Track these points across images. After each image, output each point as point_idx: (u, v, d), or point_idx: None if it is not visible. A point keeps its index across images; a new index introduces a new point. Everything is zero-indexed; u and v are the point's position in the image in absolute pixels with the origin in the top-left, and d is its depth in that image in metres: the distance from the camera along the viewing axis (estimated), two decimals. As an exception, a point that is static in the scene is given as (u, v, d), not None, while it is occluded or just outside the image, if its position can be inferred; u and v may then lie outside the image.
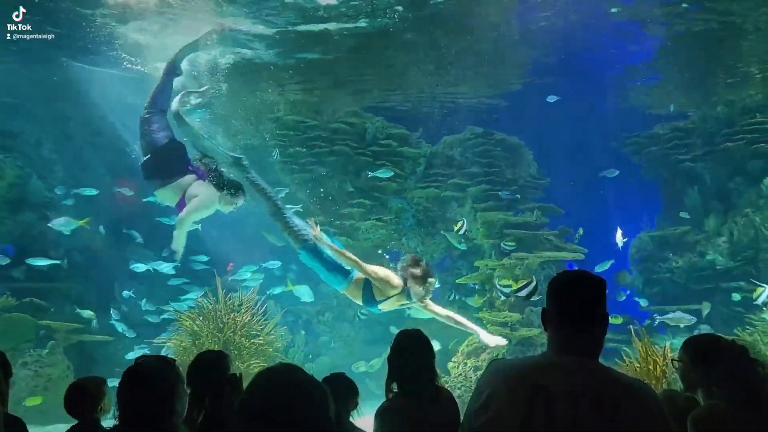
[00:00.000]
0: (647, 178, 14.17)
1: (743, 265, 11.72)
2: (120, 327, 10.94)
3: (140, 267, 11.23)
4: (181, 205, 7.46)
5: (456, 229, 10.94)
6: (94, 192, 11.47)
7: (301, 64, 11.15)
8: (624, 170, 13.46)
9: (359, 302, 7.01)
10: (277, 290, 11.21)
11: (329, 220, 12.17)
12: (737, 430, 2.78)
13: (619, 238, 10.09)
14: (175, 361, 2.71)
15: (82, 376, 3.70)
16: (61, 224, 10.43)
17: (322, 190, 12.70)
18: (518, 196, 12.10)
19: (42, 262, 10.61)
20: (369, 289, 6.80)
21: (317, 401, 1.72)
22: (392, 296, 6.73)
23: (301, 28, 9.53)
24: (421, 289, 6.65)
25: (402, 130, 13.07)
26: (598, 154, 14.38)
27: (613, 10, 9.22)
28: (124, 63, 11.02)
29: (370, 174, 12.13)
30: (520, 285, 9.16)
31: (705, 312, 10.92)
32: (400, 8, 8.88)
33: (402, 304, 7.01)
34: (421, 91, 13.39)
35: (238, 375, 3.05)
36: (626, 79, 13.14)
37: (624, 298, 12.63)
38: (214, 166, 7.58)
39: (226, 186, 7.51)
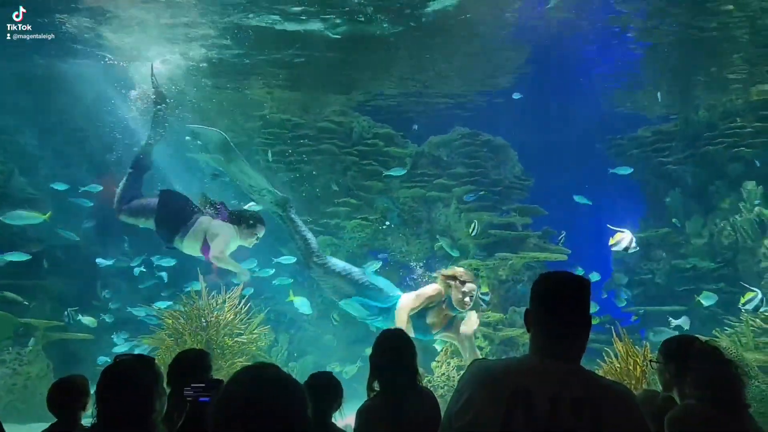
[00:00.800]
0: (630, 180, 14.32)
1: (722, 266, 11.88)
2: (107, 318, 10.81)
3: (103, 262, 11.05)
4: (205, 249, 7.36)
5: (470, 230, 10.95)
6: (63, 187, 11.30)
7: (287, 61, 11.12)
8: (607, 172, 13.57)
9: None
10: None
11: (314, 219, 12.15)
12: (711, 431, 2.82)
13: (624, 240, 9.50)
14: (153, 359, 2.70)
15: (62, 374, 3.64)
16: (14, 218, 10.13)
17: (307, 188, 12.68)
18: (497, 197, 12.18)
19: (16, 257, 10.40)
20: (415, 318, 6.96)
21: (293, 400, 1.71)
22: (434, 306, 6.85)
23: (288, 27, 9.53)
24: (460, 295, 6.79)
25: (388, 129, 13.09)
26: (582, 156, 14.51)
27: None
28: (107, 58, 10.94)
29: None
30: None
31: (686, 327, 10.85)
32: (385, 24, 8.93)
33: (446, 315, 7.14)
34: (408, 91, 13.44)
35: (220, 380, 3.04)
36: (610, 83, 13.28)
37: (605, 296, 12.78)
38: (221, 205, 7.51)
39: (243, 220, 7.43)
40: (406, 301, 7.13)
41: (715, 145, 12.48)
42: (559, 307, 2.16)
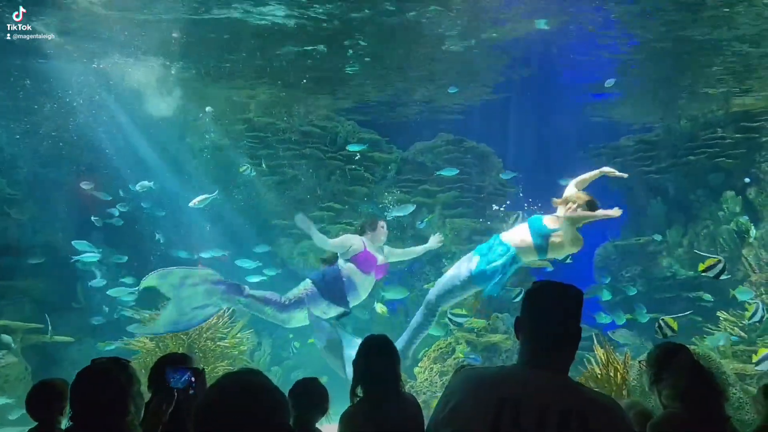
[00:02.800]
0: (612, 189, 14.47)
1: (701, 275, 12.03)
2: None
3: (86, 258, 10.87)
4: (366, 268, 7.22)
5: (423, 221, 10.92)
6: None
7: (274, 64, 11.11)
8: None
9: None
10: None
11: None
12: None
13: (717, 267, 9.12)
14: (128, 361, 2.70)
15: (41, 377, 3.60)
16: None
17: (291, 192, 12.66)
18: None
19: None
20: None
21: (274, 408, 1.73)
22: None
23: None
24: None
25: (373, 134, 13.11)
26: (566, 164, 14.64)
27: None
28: (91, 58, 10.85)
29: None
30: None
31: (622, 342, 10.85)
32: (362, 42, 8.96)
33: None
34: (394, 97, 13.49)
35: (201, 368, 3.03)
36: (593, 93, 13.44)
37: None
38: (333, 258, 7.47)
39: (362, 229, 7.47)
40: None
41: (696, 155, 12.68)
42: (548, 318, 2.16)
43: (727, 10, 8.78)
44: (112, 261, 11.34)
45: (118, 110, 12.34)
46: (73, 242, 10.71)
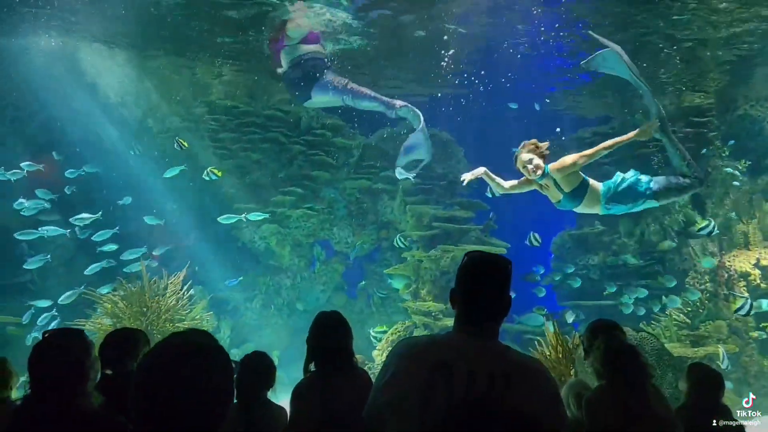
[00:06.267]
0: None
1: (652, 264, 12.50)
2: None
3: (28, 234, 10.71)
4: None
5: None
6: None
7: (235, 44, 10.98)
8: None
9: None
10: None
11: (260, 207, 12.13)
12: (619, 409, 3.06)
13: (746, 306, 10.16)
14: (82, 331, 2.77)
15: None
16: None
17: (254, 176, 12.62)
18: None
19: None
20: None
21: (216, 367, 1.71)
22: None
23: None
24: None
25: (336, 120, 13.14)
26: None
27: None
28: (50, 34, 10.58)
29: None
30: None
31: (570, 320, 11.84)
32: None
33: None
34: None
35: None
36: (552, 84, 13.71)
37: (543, 293, 13.28)
38: None
39: None
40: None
41: (648, 149, 13.07)
42: (478, 286, 2.30)
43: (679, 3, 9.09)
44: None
45: (75, 89, 12.09)
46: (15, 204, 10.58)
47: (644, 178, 6.62)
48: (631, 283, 12.50)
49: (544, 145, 6.35)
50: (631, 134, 6.43)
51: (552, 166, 6.27)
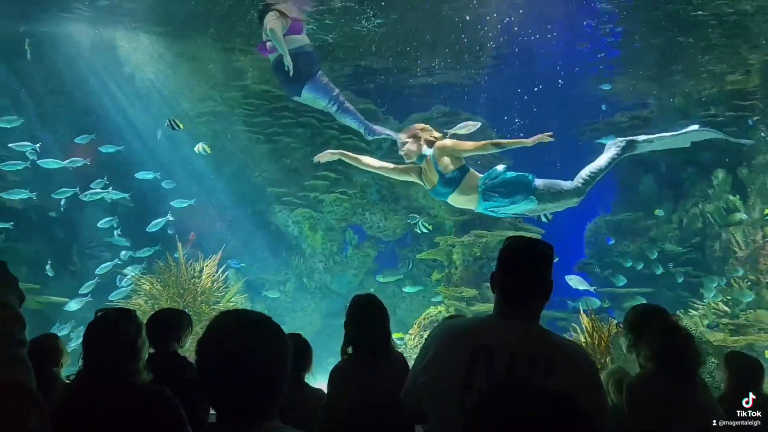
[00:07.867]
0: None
1: (690, 251, 12.25)
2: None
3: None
4: None
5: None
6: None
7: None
8: (581, 156, 13.80)
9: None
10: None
11: (293, 191, 12.21)
12: (664, 396, 2.99)
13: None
14: (134, 311, 2.84)
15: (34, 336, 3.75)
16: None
17: (287, 161, 12.70)
18: None
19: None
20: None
21: (278, 335, 1.73)
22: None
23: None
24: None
25: (369, 104, 13.09)
26: (560, 138, 14.69)
27: None
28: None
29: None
30: None
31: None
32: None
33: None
34: (390, 67, 13.43)
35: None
36: (589, 67, 13.43)
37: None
38: None
39: None
40: None
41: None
42: (518, 271, 2.30)
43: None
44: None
45: (111, 76, 12.32)
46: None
47: (530, 175, 6.53)
48: (669, 269, 12.29)
49: (432, 131, 6.45)
50: (527, 140, 6.25)
51: (437, 144, 6.33)
